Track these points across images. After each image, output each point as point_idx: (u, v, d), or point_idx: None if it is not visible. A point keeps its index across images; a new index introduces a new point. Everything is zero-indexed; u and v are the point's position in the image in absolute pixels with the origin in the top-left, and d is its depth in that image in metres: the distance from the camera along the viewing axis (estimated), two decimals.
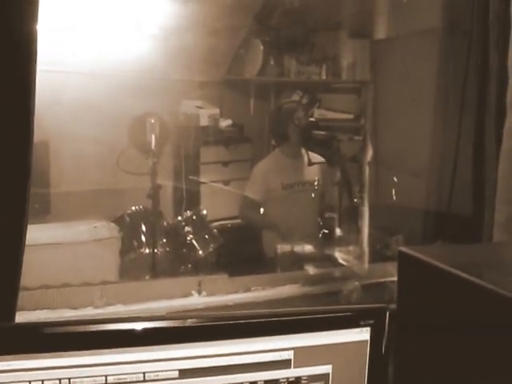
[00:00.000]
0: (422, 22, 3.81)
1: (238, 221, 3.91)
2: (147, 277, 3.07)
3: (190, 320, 1.23)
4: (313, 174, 3.74)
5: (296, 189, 3.71)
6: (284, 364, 1.26)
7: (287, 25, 4.58)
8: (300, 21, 4.60)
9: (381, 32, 4.67)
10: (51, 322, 1.27)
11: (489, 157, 2.23)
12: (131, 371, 1.17)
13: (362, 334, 1.31)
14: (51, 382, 1.13)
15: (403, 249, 1.41)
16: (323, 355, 1.28)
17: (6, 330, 1.18)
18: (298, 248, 3.18)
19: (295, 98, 4.68)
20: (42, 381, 1.13)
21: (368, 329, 1.31)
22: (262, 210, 3.70)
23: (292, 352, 1.26)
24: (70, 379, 1.14)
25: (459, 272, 1.23)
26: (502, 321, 1.12)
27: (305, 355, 1.27)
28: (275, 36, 4.71)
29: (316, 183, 3.75)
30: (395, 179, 3.81)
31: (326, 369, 1.29)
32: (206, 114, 4.42)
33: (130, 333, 1.18)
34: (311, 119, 3.93)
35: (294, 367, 1.27)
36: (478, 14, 2.39)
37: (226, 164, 4.59)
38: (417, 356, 1.37)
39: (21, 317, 1.39)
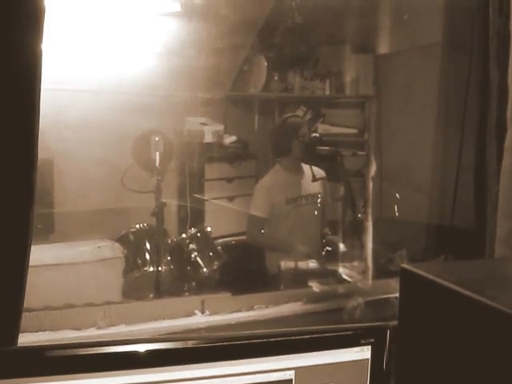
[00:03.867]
0: (423, 36, 3.83)
1: (243, 237, 3.89)
2: (151, 295, 3.06)
3: (191, 341, 1.23)
4: (315, 188, 3.73)
5: (299, 202, 3.69)
6: None
7: (291, 41, 4.60)
8: (303, 37, 4.62)
9: (384, 47, 4.68)
10: (54, 345, 1.27)
11: (490, 171, 2.23)
12: None
13: (363, 353, 1.31)
14: None
15: (405, 265, 1.40)
16: (324, 374, 1.28)
17: (9, 353, 1.18)
18: (301, 264, 3.17)
19: (299, 113, 4.68)
20: None
21: (369, 347, 1.31)
22: (267, 227, 3.69)
23: (293, 372, 1.26)
24: None
25: (460, 289, 1.22)
26: (504, 338, 1.12)
27: (306, 375, 1.27)
28: (279, 52, 4.72)
29: (319, 198, 3.74)
30: (397, 195, 3.80)
31: None
32: (210, 131, 4.41)
33: (132, 355, 1.19)
34: (315, 134, 3.92)
35: None
36: (479, 29, 2.40)
37: (230, 180, 4.59)
38: (418, 373, 1.36)
39: (23, 339, 1.39)
